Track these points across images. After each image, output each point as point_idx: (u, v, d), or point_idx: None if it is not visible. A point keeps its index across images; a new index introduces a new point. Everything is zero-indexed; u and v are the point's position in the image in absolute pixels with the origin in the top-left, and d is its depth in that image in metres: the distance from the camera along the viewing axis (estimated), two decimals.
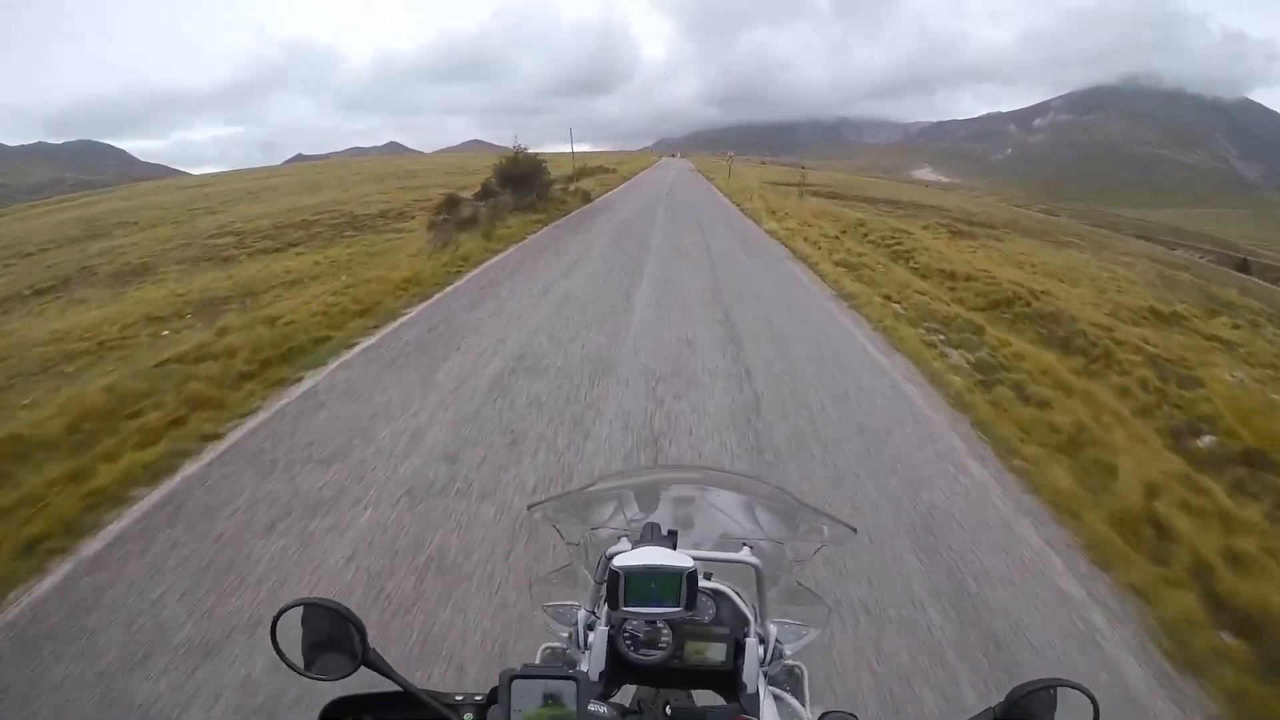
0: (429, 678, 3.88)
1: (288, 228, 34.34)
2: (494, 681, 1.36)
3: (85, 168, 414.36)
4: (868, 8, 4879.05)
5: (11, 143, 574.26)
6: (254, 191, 62.48)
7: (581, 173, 60.08)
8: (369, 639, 1.40)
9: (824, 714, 1.58)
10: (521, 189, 28.81)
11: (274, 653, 1.35)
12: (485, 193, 27.35)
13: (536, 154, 30.78)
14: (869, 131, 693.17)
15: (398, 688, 1.40)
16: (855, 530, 2.08)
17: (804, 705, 1.91)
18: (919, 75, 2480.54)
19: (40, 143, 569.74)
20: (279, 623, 1.37)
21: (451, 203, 24.09)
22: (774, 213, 33.25)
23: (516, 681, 1.30)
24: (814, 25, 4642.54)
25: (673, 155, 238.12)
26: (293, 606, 1.39)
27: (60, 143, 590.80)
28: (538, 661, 1.97)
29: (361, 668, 1.40)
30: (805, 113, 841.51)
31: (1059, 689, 1.39)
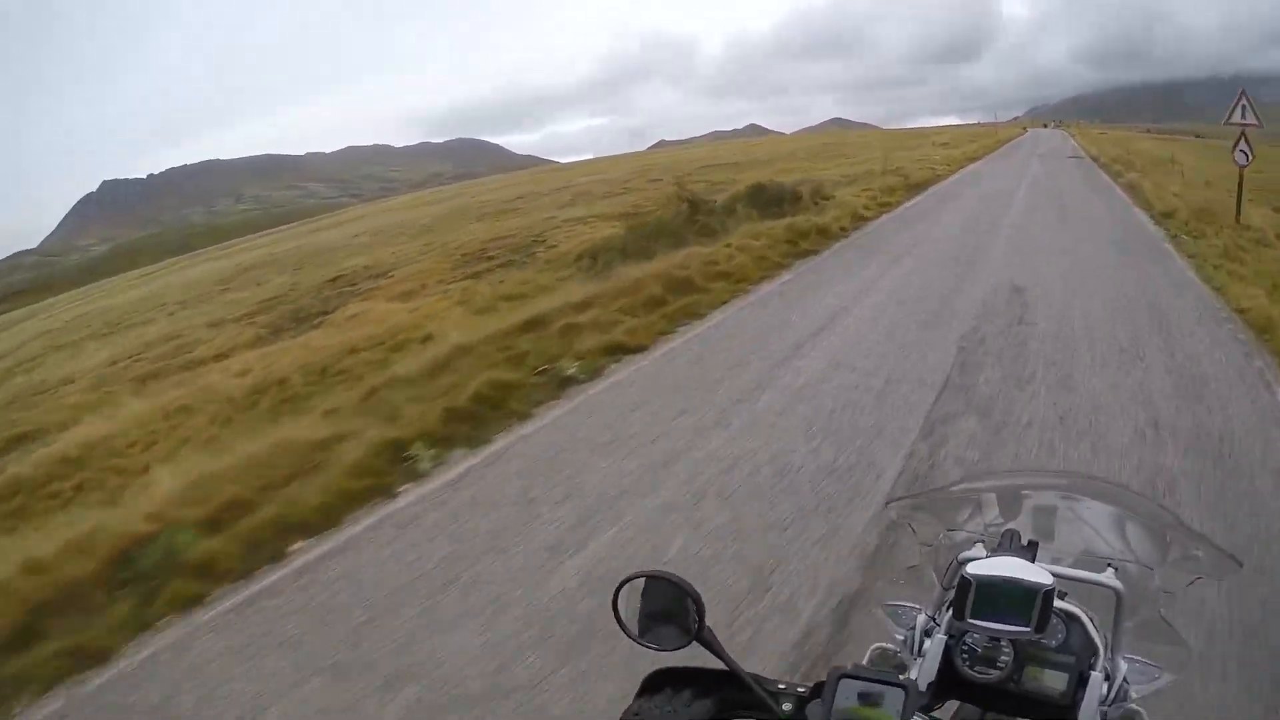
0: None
1: None
2: (821, 678, 1.27)
3: (463, 162, 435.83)
4: None
5: (398, 144, 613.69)
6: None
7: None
8: (705, 616, 1.30)
9: None
10: None
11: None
12: None
13: None
14: (1268, 89, 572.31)
15: (723, 666, 1.30)
16: (1241, 564, 1.77)
17: None
18: None
19: (423, 142, 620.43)
20: (623, 590, 1.34)
21: None
22: None
23: (844, 680, 1.22)
24: None
25: (1045, 125, 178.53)
26: (636, 577, 1.35)
27: (441, 142, 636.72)
28: (866, 660, 1.74)
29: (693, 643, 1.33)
30: (1196, 68, 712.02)
31: None
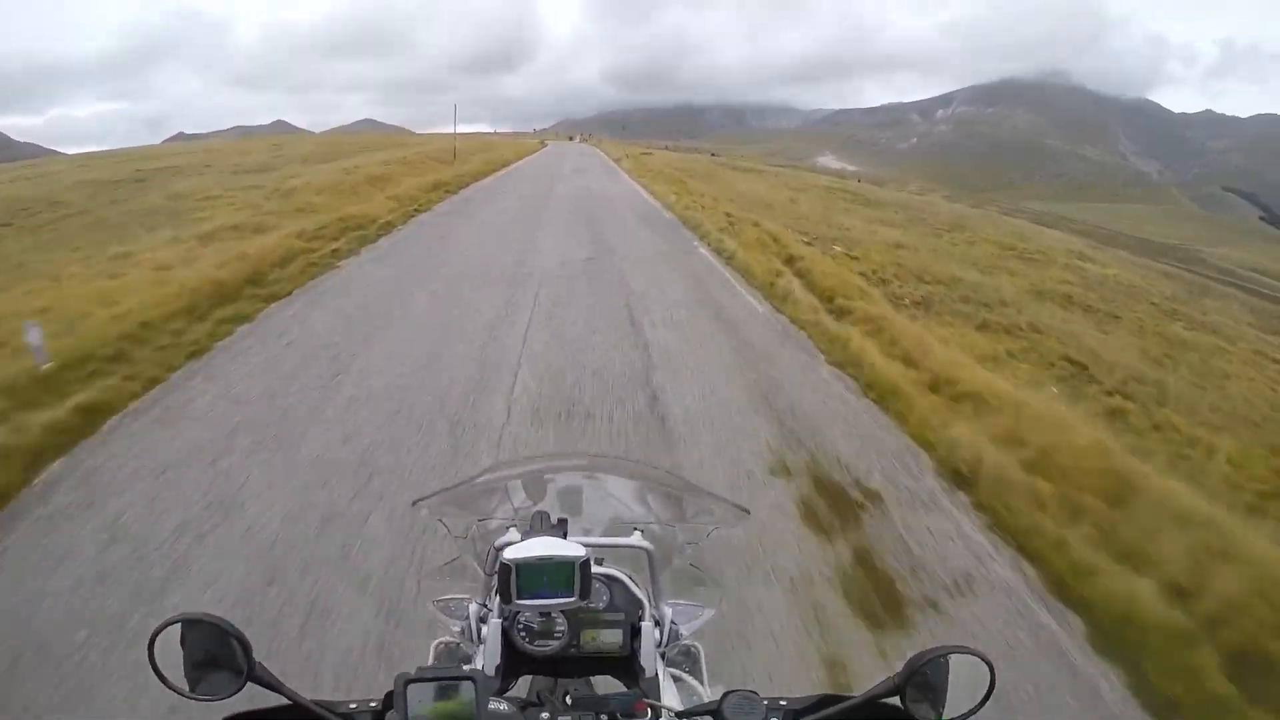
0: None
1: None
2: (389, 687, 1.23)
3: None
4: None
5: None
6: None
7: None
8: (253, 651, 1.21)
9: (726, 693, 1.36)
10: None
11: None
12: None
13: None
14: (771, 117, 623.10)
15: (287, 701, 1.24)
16: (748, 512, 2.02)
17: (703, 684, 1.81)
18: (834, 62, 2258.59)
19: None
20: (157, 642, 1.17)
21: None
22: None
23: (412, 686, 1.19)
24: (734, 6, 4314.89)
25: (571, 138, 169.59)
26: (171, 624, 1.20)
27: None
28: (431, 658, 1.89)
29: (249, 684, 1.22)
30: (715, 96, 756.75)
31: (956, 656, 1.26)
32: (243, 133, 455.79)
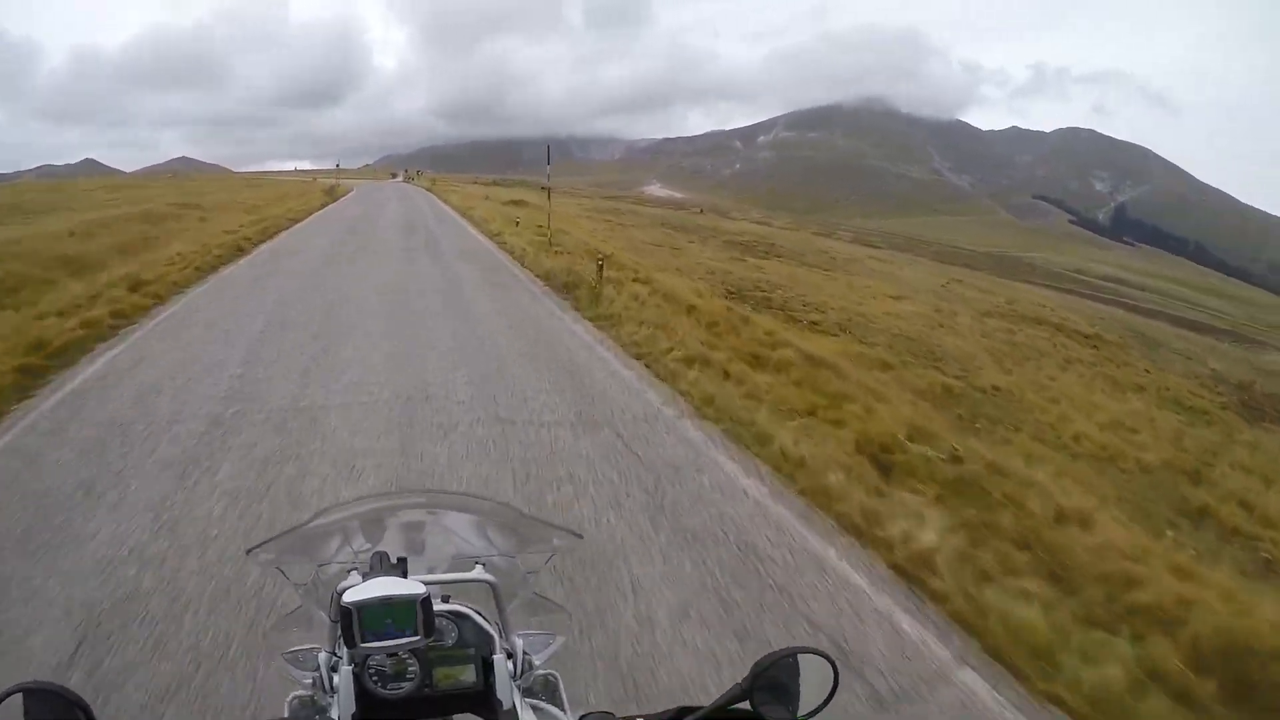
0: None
1: None
2: None
3: None
4: (622, 23, 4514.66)
5: None
6: None
7: None
8: (96, 718, 1.21)
9: (582, 716, 1.47)
10: None
11: None
12: None
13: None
14: (594, 148, 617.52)
15: None
16: (581, 536, 2.02)
17: (564, 711, 1.75)
18: (659, 92, 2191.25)
19: None
20: None
21: None
22: None
23: None
24: (563, 39, 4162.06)
25: (394, 175, 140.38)
26: (11, 694, 1.18)
27: None
28: (286, 713, 1.78)
29: None
30: (539, 129, 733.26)
31: (800, 656, 1.35)
32: (48, 173, 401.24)
